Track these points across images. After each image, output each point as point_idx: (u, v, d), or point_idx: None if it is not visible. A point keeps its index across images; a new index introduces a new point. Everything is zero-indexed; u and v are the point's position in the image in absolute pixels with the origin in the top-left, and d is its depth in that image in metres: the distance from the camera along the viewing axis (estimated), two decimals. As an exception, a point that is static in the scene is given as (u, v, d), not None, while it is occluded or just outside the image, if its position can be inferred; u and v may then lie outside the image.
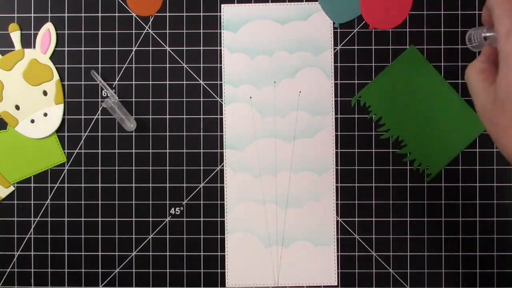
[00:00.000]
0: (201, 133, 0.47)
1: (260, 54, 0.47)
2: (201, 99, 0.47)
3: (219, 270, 0.47)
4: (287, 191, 0.46)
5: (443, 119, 0.45)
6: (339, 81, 0.47)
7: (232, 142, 0.47)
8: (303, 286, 0.46)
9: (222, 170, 0.47)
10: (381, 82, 0.46)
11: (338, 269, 0.46)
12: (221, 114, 0.47)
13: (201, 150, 0.47)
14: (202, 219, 0.47)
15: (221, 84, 0.47)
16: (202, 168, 0.47)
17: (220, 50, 0.47)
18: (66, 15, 0.47)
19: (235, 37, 0.47)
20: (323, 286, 0.46)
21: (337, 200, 0.46)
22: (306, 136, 0.46)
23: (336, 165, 0.46)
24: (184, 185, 0.47)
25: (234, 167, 0.47)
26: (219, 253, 0.47)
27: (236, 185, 0.46)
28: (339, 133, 0.47)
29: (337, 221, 0.46)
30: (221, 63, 0.47)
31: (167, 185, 0.47)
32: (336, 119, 0.47)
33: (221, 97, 0.47)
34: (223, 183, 0.47)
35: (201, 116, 0.47)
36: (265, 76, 0.47)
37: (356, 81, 0.47)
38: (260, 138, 0.47)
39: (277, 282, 0.46)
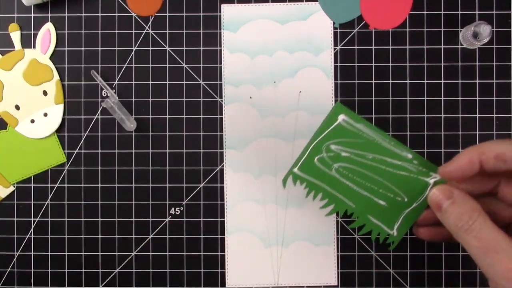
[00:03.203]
0: (201, 133, 0.47)
1: (260, 54, 0.47)
2: (201, 99, 0.47)
3: (219, 270, 0.47)
4: (287, 191, 0.46)
5: (392, 179, 0.38)
6: (339, 81, 0.47)
7: (232, 142, 0.47)
8: (303, 286, 0.46)
9: (222, 170, 0.47)
10: (311, 154, 0.39)
11: (338, 269, 0.46)
12: (221, 114, 0.47)
13: (201, 150, 0.47)
14: (202, 219, 0.47)
15: (221, 84, 0.47)
16: (202, 168, 0.47)
17: (220, 50, 0.47)
18: (66, 15, 0.47)
19: (235, 37, 0.47)
20: (323, 286, 0.46)
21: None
22: (306, 137, 0.46)
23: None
24: (184, 185, 0.47)
25: (234, 167, 0.47)
26: (219, 253, 0.47)
27: (236, 185, 0.46)
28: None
29: (337, 221, 0.46)
30: (221, 63, 0.47)
31: (167, 185, 0.47)
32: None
33: (221, 97, 0.47)
34: (223, 183, 0.47)
35: (201, 116, 0.47)
36: (265, 76, 0.47)
37: (356, 81, 0.47)
38: (260, 138, 0.47)
39: (277, 282, 0.46)
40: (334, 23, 0.47)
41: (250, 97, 0.47)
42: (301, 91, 0.47)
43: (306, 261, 0.46)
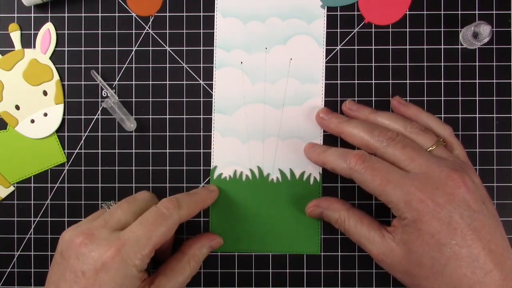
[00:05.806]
0: (201, 133, 0.47)
1: (253, 20, 0.47)
2: (201, 99, 0.47)
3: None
4: (274, 157, 0.46)
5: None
6: (339, 81, 0.47)
7: (221, 106, 0.47)
8: (286, 255, 0.46)
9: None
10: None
11: (321, 236, 0.46)
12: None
13: (201, 150, 0.47)
14: (202, 219, 0.47)
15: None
16: (202, 168, 0.47)
17: (214, 16, 0.47)
18: (66, 15, 0.47)
19: (229, 1, 0.47)
20: (306, 255, 0.46)
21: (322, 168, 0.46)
22: (295, 104, 0.46)
23: (324, 132, 0.46)
24: (184, 185, 0.47)
25: (222, 132, 0.46)
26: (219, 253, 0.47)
27: (223, 149, 0.46)
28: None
29: (322, 187, 0.46)
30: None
31: (167, 185, 0.47)
32: (326, 84, 0.46)
33: (221, 97, 0.47)
34: (211, 149, 0.47)
35: (201, 116, 0.47)
36: (256, 42, 0.47)
37: (356, 81, 0.47)
38: (249, 104, 0.46)
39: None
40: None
41: (241, 62, 0.47)
42: (292, 58, 0.47)
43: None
